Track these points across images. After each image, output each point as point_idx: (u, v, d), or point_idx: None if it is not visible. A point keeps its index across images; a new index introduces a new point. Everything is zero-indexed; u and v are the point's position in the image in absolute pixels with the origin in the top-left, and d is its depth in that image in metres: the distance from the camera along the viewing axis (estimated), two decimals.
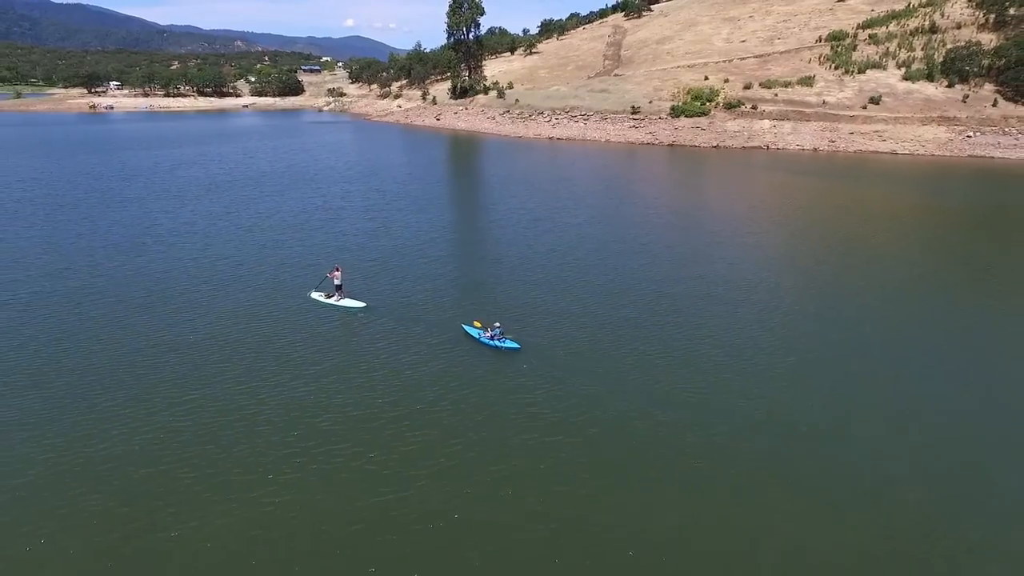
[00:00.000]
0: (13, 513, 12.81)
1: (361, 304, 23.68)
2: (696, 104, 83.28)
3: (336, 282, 24.10)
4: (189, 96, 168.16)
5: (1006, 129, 71.79)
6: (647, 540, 12.18)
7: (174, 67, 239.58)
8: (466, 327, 21.63)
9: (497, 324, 21.01)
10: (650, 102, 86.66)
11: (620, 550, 11.92)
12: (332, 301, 23.94)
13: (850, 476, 14.31)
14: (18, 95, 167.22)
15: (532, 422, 15.94)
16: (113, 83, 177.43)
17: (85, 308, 22.91)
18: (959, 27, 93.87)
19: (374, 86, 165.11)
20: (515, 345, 20.49)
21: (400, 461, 14.32)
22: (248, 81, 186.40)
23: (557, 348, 20.32)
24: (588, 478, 13.85)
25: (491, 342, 20.61)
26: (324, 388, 17.47)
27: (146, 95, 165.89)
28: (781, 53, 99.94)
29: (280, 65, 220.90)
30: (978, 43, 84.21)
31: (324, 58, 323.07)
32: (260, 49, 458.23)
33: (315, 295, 24.54)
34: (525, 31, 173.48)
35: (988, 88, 79.67)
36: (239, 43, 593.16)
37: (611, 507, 12.98)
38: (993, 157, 67.24)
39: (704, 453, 14.82)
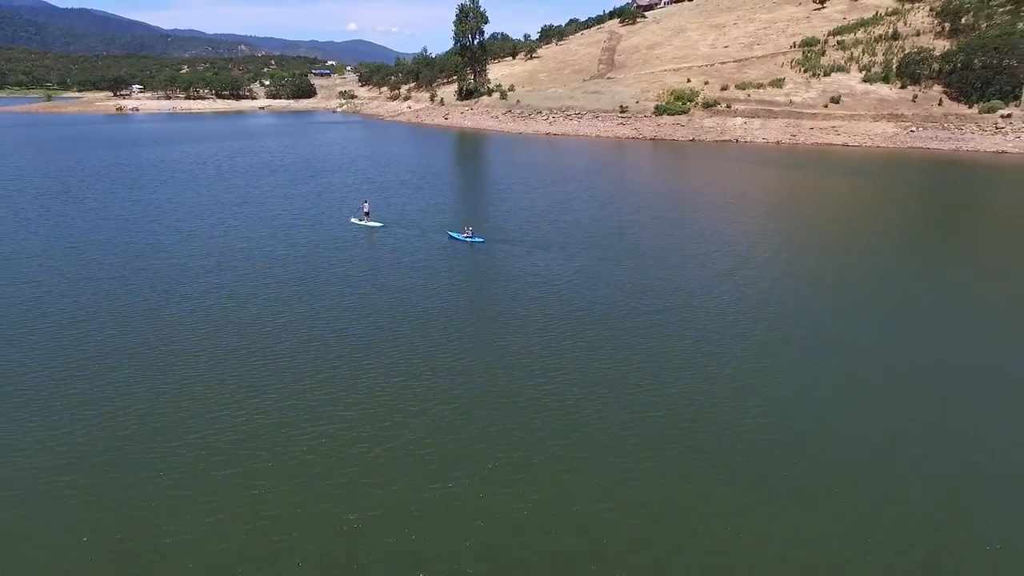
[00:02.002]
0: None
1: (380, 224, 37.24)
2: (678, 104, 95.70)
3: (365, 211, 37.70)
4: (208, 99, 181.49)
5: (945, 125, 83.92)
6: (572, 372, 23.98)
7: (183, 71, 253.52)
8: (450, 232, 35.05)
9: (470, 228, 34.42)
10: (637, 102, 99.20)
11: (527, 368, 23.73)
12: (363, 223, 37.39)
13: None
14: (49, 98, 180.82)
15: (490, 279, 27.90)
16: (136, 86, 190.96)
17: (222, 241, 35.06)
18: (919, 34, 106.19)
19: (384, 89, 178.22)
20: (480, 240, 33.78)
21: (400, 305, 26.29)
22: (263, 84, 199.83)
23: (514, 243, 32.52)
24: (517, 305, 25.79)
25: (465, 239, 33.68)
26: (352, 267, 29.52)
27: (168, 98, 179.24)
28: (758, 58, 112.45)
29: (291, 69, 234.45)
30: (930, 49, 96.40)
31: (330, 62, 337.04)
32: (264, 53, 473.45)
33: (353, 220, 38.13)
34: (526, 36, 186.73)
35: (936, 89, 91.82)
36: (243, 47, 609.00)
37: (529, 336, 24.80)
38: (929, 148, 79.37)
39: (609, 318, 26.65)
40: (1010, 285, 28.45)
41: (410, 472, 14.31)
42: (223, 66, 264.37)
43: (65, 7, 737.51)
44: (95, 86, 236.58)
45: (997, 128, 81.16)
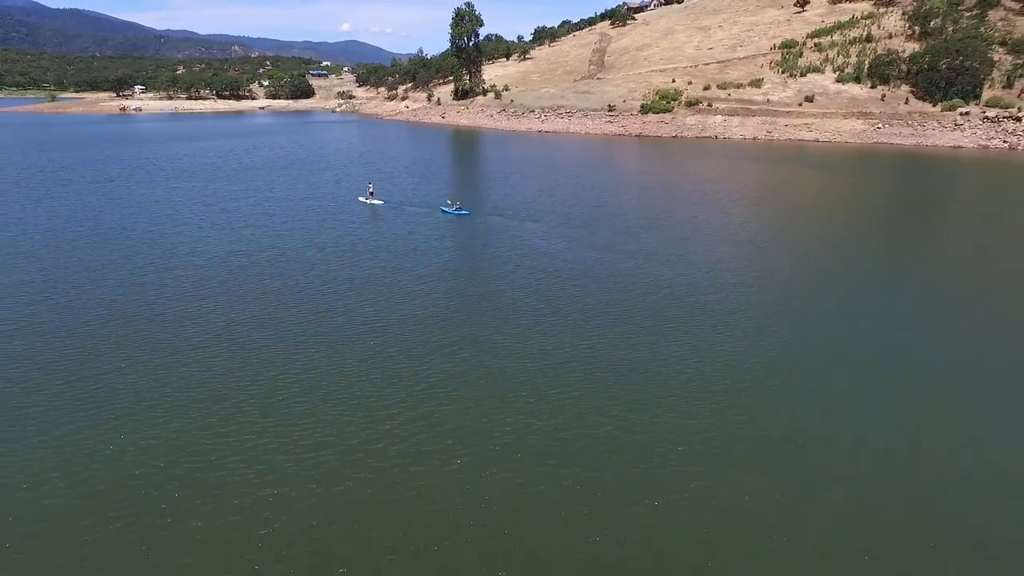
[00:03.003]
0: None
1: (382, 201, 45.12)
2: (662, 103, 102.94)
3: (370, 191, 45.74)
4: (209, 99, 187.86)
5: (909, 122, 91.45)
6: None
7: (180, 71, 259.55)
8: (442, 207, 42.89)
9: (457, 202, 42.24)
10: (624, 101, 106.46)
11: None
12: (368, 201, 45.17)
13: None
14: (53, 98, 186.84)
15: (485, 243, 34.76)
16: (138, 87, 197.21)
17: (263, 218, 41.81)
18: (891, 37, 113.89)
19: (381, 89, 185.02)
20: (467, 212, 41.55)
21: (397, 256, 33.13)
22: (262, 84, 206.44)
23: (508, 217, 39.44)
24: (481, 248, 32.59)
25: (454, 211, 41.32)
26: (358, 233, 36.38)
27: (170, 98, 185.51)
28: (740, 59, 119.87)
29: (289, 70, 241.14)
30: (898, 51, 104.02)
31: (325, 62, 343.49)
32: (259, 54, 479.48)
33: (360, 199, 45.97)
34: (520, 38, 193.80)
35: (904, 89, 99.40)
36: (236, 48, 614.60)
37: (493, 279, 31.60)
38: (893, 143, 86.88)
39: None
40: (956, 260, 35.58)
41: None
42: (219, 67, 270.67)
43: (56, 7, 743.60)
44: (93, 86, 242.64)
45: (956, 125, 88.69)
